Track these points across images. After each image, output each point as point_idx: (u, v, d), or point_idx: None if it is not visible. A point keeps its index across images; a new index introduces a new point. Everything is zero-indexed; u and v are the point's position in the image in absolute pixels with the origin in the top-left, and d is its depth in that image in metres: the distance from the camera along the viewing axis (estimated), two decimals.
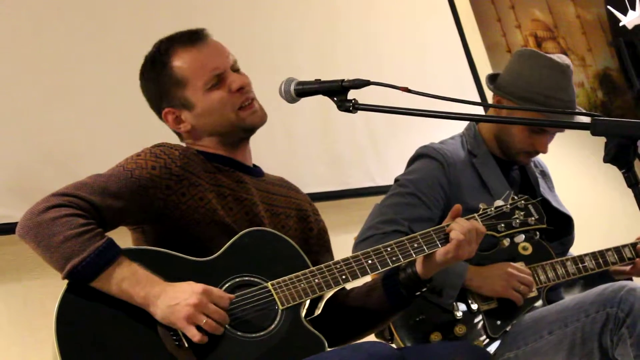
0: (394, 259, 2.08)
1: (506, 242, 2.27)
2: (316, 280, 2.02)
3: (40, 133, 3.09)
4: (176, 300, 1.86)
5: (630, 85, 5.44)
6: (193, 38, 2.18)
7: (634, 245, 2.83)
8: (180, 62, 2.16)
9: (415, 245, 2.09)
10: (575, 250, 2.95)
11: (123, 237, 2.09)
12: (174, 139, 2.27)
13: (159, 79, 2.18)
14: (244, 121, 2.17)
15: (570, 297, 2.64)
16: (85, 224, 1.90)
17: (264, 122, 2.21)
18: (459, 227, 2.10)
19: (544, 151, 2.81)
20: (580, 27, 5.51)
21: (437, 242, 2.10)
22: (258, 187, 2.22)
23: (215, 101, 2.15)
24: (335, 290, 2.07)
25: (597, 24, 5.60)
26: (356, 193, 3.90)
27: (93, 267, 1.87)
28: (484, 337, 2.58)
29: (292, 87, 2.02)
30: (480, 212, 2.23)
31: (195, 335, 1.85)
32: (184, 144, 2.22)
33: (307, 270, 2.03)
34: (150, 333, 1.88)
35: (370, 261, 2.07)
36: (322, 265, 2.05)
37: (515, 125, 2.75)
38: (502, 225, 2.24)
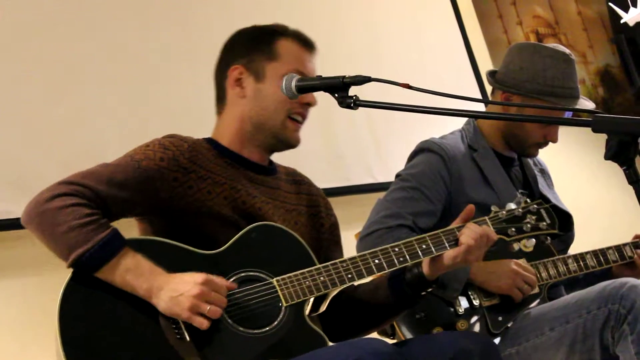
0: (401, 259, 2.05)
1: (516, 246, 2.23)
2: (321, 278, 2.00)
3: (41, 128, 3.09)
4: (179, 292, 1.86)
5: (631, 82, 5.43)
6: (308, 43, 2.22)
7: (634, 244, 2.82)
8: (284, 44, 2.18)
9: (424, 246, 2.07)
10: (575, 247, 2.94)
11: (130, 227, 2.09)
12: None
13: (257, 42, 2.20)
14: (286, 131, 2.18)
15: (572, 294, 2.63)
16: (90, 214, 1.90)
17: (295, 146, 2.22)
18: (470, 233, 2.07)
19: (555, 141, 2.81)
20: (581, 23, 5.51)
21: (446, 244, 2.07)
22: (270, 185, 2.21)
23: (281, 93, 2.07)
24: (341, 288, 2.04)
25: (598, 21, 5.59)
26: (357, 190, 3.90)
27: (97, 259, 1.87)
28: (485, 333, 2.57)
29: (294, 83, 2.01)
30: (492, 215, 2.20)
31: (202, 322, 1.85)
32: (195, 137, 2.18)
33: (312, 268, 2.02)
34: (152, 325, 1.88)
35: (377, 260, 2.04)
36: (328, 263, 2.03)
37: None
38: (513, 229, 2.21)
